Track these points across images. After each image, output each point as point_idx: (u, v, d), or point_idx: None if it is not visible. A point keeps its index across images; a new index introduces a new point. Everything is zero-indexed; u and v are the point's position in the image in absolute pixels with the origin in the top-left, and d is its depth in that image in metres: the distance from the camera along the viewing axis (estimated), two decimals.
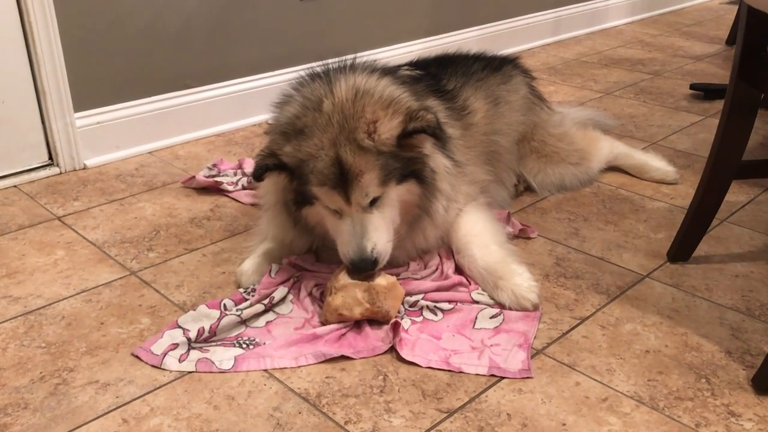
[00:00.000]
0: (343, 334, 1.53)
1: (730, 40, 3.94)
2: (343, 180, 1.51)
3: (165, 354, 1.47)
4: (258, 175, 1.56)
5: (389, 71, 1.75)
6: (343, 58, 1.76)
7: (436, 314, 1.60)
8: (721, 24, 4.38)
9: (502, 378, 1.43)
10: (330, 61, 1.74)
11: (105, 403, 1.36)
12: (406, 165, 1.57)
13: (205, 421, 1.32)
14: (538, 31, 3.89)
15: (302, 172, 1.54)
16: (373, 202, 1.55)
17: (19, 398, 1.38)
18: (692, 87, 3.11)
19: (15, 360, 1.48)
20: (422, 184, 1.61)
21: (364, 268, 1.54)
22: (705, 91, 3.06)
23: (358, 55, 2.65)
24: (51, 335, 1.56)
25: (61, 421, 1.32)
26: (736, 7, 4.49)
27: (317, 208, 1.60)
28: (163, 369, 1.45)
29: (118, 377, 1.43)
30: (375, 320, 1.56)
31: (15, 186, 2.27)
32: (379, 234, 1.55)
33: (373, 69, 1.70)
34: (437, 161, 1.67)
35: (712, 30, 4.26)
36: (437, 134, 1.56)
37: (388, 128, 1.52)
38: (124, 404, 1.36)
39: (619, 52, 3.78)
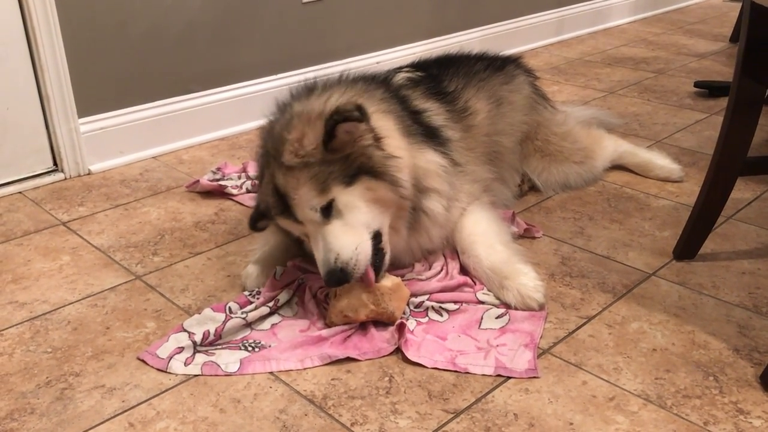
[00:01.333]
0: (349, 336, 1.53)
1: (734, 38, 3.93)
2: (284, 204, 1.53)
3: (171, 357, 1.47)
4: (250, 225, 1.69)
5: (361, 80, 1.75)
6: (340, 72, 1.77)
7: (441, 315, 1.60)
8: (725, 21, 4.36)
9: (509, 378, 1.42)
10: (320, 77, 1.75)
11: (111, 408, 1.36)
12: (346, 165, 1.50)
13: (212, 424, 1.32)
14: (541, 31, 3.89)
15: (267, 210, 1.60)
16: (328, 213, 1.51)
17: (25, 403, 1.38)
18: (696, 85, 3.10)
19: (21, 365, 1.48)
20: (377, 177, 1.52)
21: (336, 282, 1.48)
22: (709, 89, 3.05)
23: (361, 57, 2.65)
24: (57, 340, 1.56)
25: (67, 426, 1.32)
26: (739, 5, 4.48)
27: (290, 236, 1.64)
28: (169, 373, 1.45)
29: (124, 381, 1.43)
30: (380, 321, 1.56)
31: (20, 192, 2.27)
32: (341, 242, 1.48)
33: (341, 82, 1.71)
34: (428, 158, 1.66)
35: (715, 27, 4.25)
36: (351, 117, 1.45)
37: (312, 139, 1.49)
38: (131, 408, 1.36)
39: (622, 51, 3.77)
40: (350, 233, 1.50)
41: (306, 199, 1.50)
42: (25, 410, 1.36)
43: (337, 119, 1.46)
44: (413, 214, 1.65)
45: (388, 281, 1.56)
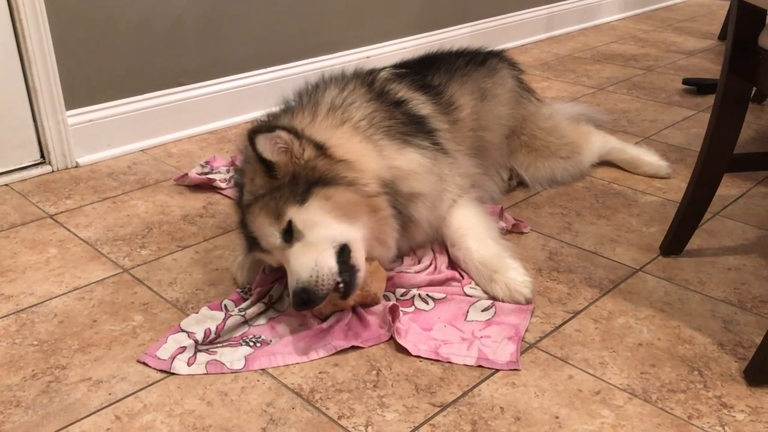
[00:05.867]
0: (347, 325, 1.54)
1: (723, 36, 3.95)
2: (252, 240, 1.56)
3: (173, 358, 1.45)
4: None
5: (324, 87, 1.77)
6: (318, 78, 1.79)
7: (427, 303, 1.61)
8: (714, 19, 4.38)
9: (496, 372, 1.43)
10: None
11: (98, 400, 1.36)
12: (294, 184, 1.48)
13: (198, 417, 1.32)
14: (531, 28, 3.90)
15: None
16: (289, 237, 1.47)
17: (11, 396, 1.37)
18: (685, 82, 3.12)
19: (7, 358, 1.48)
20: (330, 183, 1.48)
21: (302, 303, 1.41)
22: (697, 86, 3.07)
23: (351, 52, 2.65)
24: (43, 333, 1.56)
25: (53, 419, 1.32)
26: (727, 3, 4.50)
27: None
28: (173, 373, 1.43)
29: (110, 374, 1.43)
30: (366, 305, 1.58)
31: (6, 185, 2.26)
32: (299, 262, 1.43)
33: (297, 105, 1.74)
34: (409, 159, 1.64)
35: (704, 25, 4.27)
36: (268, 129, 1.47)
37: (258, 174, 1.53)
38: (117, 401, 1.36)
39: (612, 48, 3.78)
40: (310, 252, 1.44)
41: (264, 228, 1.50)
42: (11, 403, 1.36)
43: (251, 137, 1.47)
44: (400, 221, 1.62)
45: (368, 265, 1.56)
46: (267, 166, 1.50)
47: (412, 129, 1.73)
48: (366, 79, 1.82)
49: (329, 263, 1.44)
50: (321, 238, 1.46)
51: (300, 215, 1.47)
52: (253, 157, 1.53)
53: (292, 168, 1.50)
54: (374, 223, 1.55)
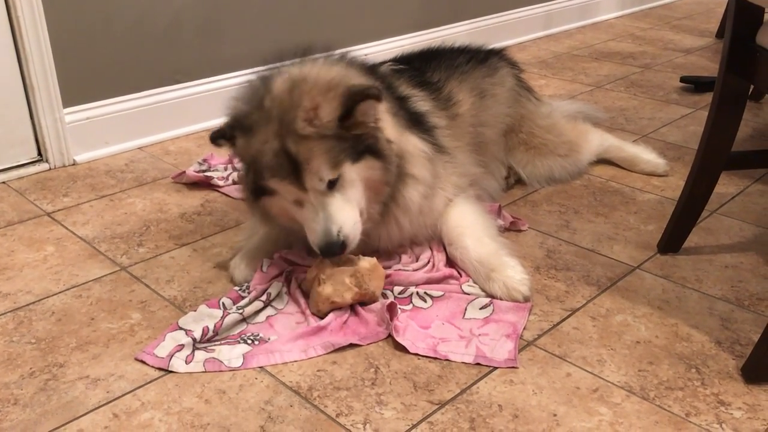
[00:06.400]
0: (345, 322, 1.54)
1: (720, 34, 3.94)
2: (293, 170, 1.51)
3: (171, 356, 1.45)
4: (214, 138, 1.60)
5: (344, 58, 1.74)
6: (330, 53, 1.76)
7: (425, 301, 1.61)
8: (711, 17, 4.38)
9: (494, 369, 1.43)
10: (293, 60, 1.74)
11: (95, 398, 1.36)
12: (357, 143, 1.54)
13: (196, 415, 1.32)
14: (529, 25, 3.89)
15: (255, 168, 1.55)
16: (332, 185, 1.52)
17: (8, 394, 1.37)
18: (682, 80, 3.12)
19: (4, 356, 1.48)
20: (379, 157, 1.58)
21: (333, 253, 1.53)
22: (695, 84, 3.07)
23: (349, 49, 2.64)
24: (41, 331, 1.55)
25: (51, 417, 1.32)
26: (725, 1, 4.50)
27: (278, 200, 1.59)
28: (171, 371, 1.43)
29: (108, 372, 1.43)
30: (364, 303, 1.58)
31: (4, 182, 2.25)
32: (344, 216, 1.52)
33: (325, 58, 1.71)
34: (410, 142, 1.66)
35: (702, 23, 4.27)
36: (371, 94, 1.50)
37: (328, 111, 1.50)
38: (115, 399, 1.36)
39: (609, 46, 3.78)
40: (349, 208, 1.54)
41: (319, 170, 1.50)
42: (8, 401, 1.35)
43: (357, 98, 1.49)
44: (385, 194, 1.64)
45: (366, 263, 1.58)
46: (348, 112, 1.51)
47: (413, 124, 1.73)
48: (371, 68, 1.83)
49: (360, 227, 1.57)
50: (355, 198, 1.56)
51: (349, 173, 1.54)
52: (334, 91, 1.51)
53: (361, 128, 1.54)
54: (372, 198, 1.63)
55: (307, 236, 1.56)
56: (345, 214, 1.53)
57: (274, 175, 1.53)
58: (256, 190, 1.59)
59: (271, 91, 1.56)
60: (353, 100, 1.50)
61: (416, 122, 1.75)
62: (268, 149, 1.51)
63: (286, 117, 1.50)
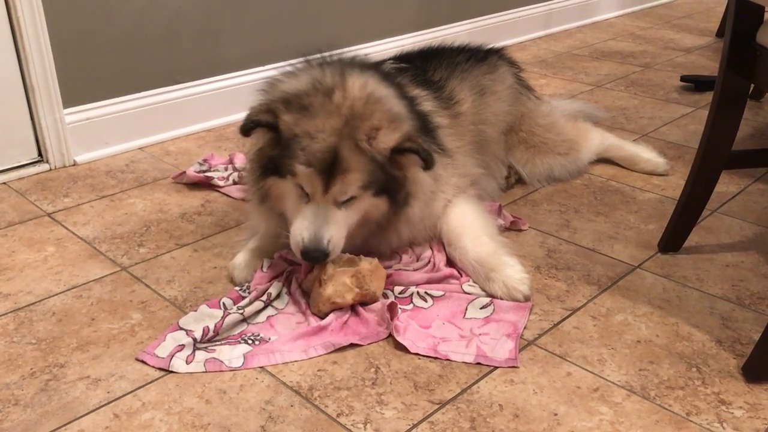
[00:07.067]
0: (346, 322, 1.54)
1: (720, 33, 3.94)
2: (328, 169, 1.51)
3: (172, 356, 1.45)
4: (248, 128, 1.57)
5: (390, 78, 1.76)
6: (336, 52, 1.76)
7: (426, 300, 1.61)
8: (711, 16, 4.38)
9: (494, 369, 1.43)
10: (325, 54, 1.75)
11: (96, 399, 1.36)
12: (387, 180, 1.57)
13: (197, 415, 1.32)
14: (529, 25, 3.89)
15: (291, 146, 1.53)
16: (346, 201, 1.55)
17: (9, 394, 1.37)
18: (683, 79, 3.12)
19: (5, 356, 1.48)
20: (392, 203, 1.62)
21: (313, 258, 1.55)
22: (695, 83, 3.07)
23: (349, 49, 2.64)
24: (41, 331, 1.55)
25: (52, 417, 1.32)
26: (725, 0, 4.50)
27: (287, 184, 1.58)
28: (172, 371, 1.43)
29: (109, 372, 1.43)
30: (365, 303, 1.58)
31: (4, 183, 2.25)
32: (337, 229, 1.55)
33: (381, 76, 1.71)
34: (421, 181, 1.67)
35: (702, 22, 4.27)
36: (427, 160, 1.55)
37: (387, 139, 1.54)
38: (116, 399, 1.36)
39: (609, 45, 3.78)
40: (343, 227, 1.57)
41: (351, 183, 1.53)
42: (9, 401, 1.35)
43: (412, 149, 1.54)
44: (371, 228, 1.68)
45: (367, 263, 1.58)
46: (402, 151, 1.55)
47: (422, 132, 1.72)
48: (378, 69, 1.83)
49: (342, 241, 1.59)
50: (353, 219, 1.60)
51: (366, 200, 1.58)
52: (402, 136, 1.55)
53: (399, 170, 1.59)
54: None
55: (292, 231, 1.57)
56: (338, 228, 1.56)
57: (309, 164, 1.52)
58: (271, 166, 1.59)
59: (345, 88, 1.57)
60: (406, 148, 1.54)
61: (422, 126, 1.74)
62: (321, 139, 1.52)
63: (354, 122, 1.53)
